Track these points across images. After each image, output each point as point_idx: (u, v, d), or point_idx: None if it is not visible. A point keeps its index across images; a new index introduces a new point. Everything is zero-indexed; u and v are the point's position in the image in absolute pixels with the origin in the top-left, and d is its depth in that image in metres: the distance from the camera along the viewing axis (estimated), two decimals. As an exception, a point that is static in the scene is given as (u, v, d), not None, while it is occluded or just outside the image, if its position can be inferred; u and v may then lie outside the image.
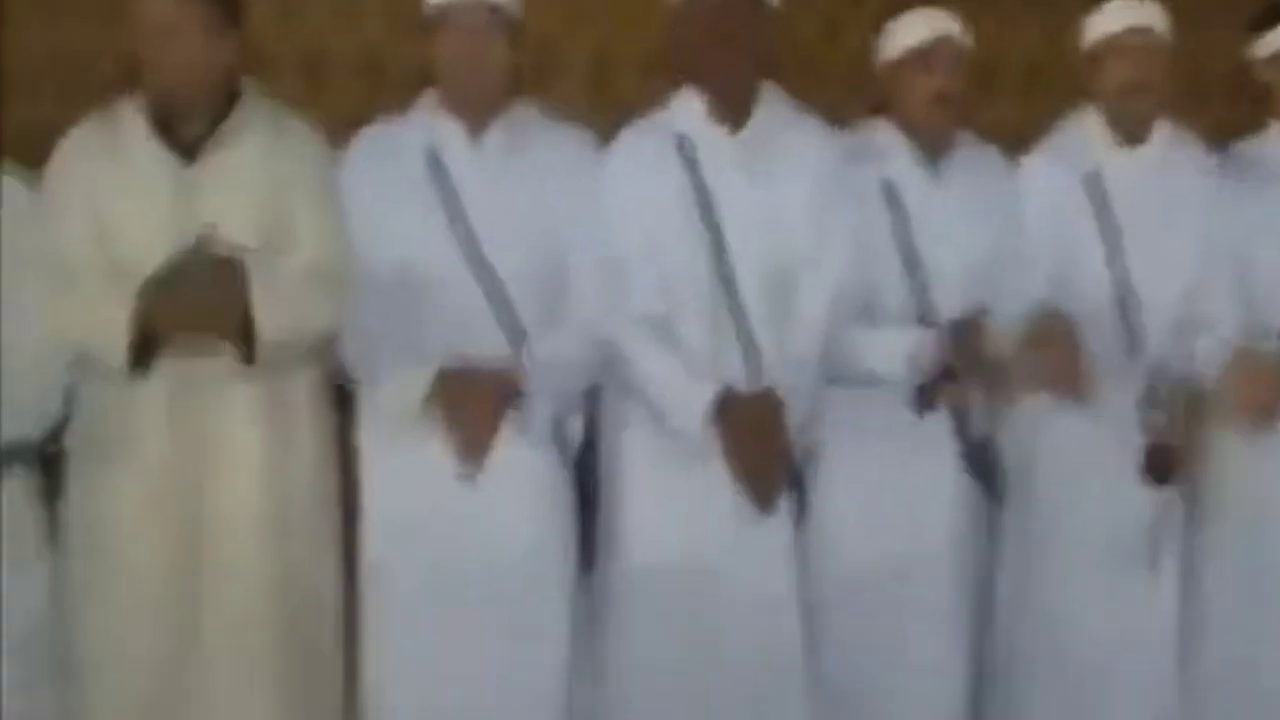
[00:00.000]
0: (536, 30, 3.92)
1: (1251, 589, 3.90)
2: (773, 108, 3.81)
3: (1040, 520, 3.94)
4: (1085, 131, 3.98)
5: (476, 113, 3.70)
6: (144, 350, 3.43)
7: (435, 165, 3.67)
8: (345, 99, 3.86)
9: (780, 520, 3.74)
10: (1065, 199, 3.92)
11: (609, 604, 3.79)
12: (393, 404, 3.63)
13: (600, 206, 3.73)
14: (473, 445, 3.60)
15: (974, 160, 3.97)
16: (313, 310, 3.54)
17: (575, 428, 3.80)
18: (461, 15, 3.63)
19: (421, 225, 3.64)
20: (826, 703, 3.80)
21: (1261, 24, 4.00)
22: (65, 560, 3.58)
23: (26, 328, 3.44)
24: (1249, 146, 4.04)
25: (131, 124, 3.55)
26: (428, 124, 3.73)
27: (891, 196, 3.87)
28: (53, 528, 3.58)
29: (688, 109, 3.79)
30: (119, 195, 3.51)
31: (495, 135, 3.71)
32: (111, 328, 3.40)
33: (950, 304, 3.84)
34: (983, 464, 3.92)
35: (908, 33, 3.88)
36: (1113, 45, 3.91)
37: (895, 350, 3.80)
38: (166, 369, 3.46)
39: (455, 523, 3.63)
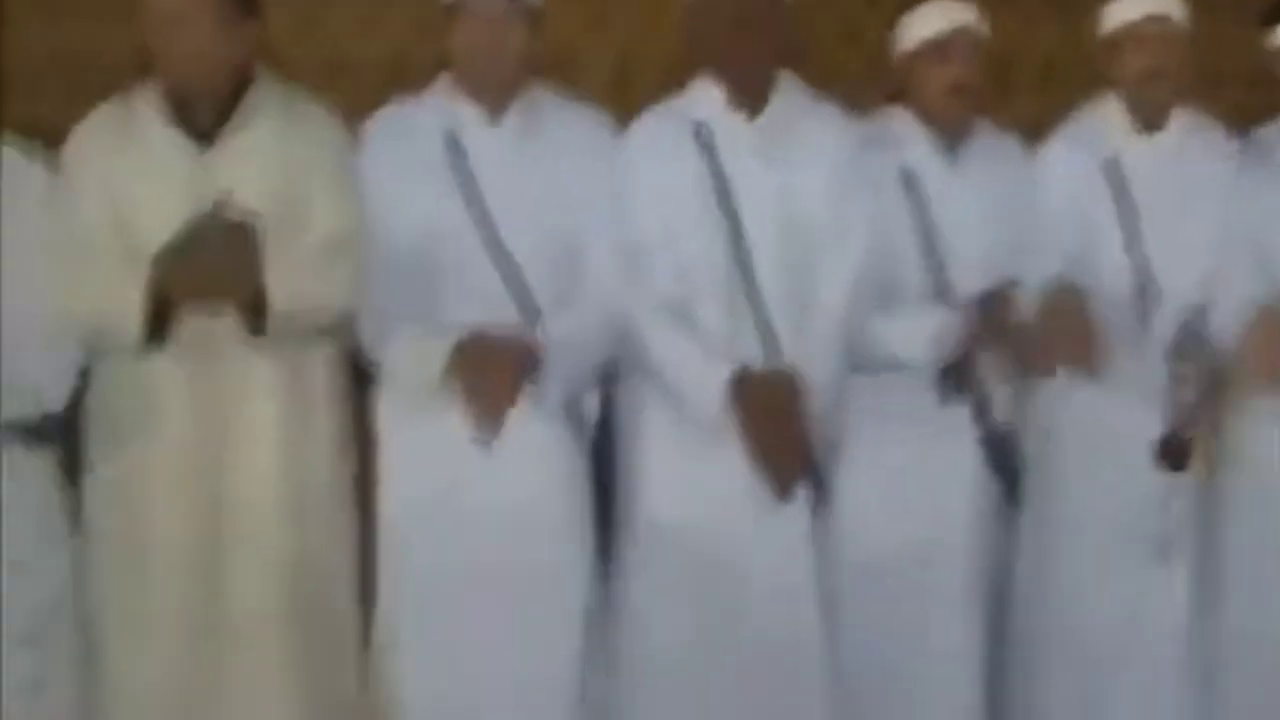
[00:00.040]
0: (557, 34, 3.94)
1: (1269, 562, 3.86)
2: (790, 95, 3.81)
3: (1056, 503, 3.93)
4: (1104, 118, 3.98)
5: (494, 97, 3.71)
6: (159, 322, 3.44)
7: (453, 147, 3.68)
8: (367, 107, 3.85)
9: (799, 507, 3.72)
10: (1084, 185, 3.92)
11: (625, 589, 3.78)
12: (411, 376, 3.62)
13: (617, 191, 3.73)
14: (490, 412, 3.58)
15: (992, 148, 3.97)
16: (326, 283, 3.54)
17: (591, 407, 3.79)
18: (480, 3, 3.64)
19: (439, 206, 3.65)
20: (845, 689, 3.77)
21: (1273, 18, 4.00)
22: (87, 536, 3.59)
23: (41, 306, 3.45)
24: (1268, 132, 4.03)
25: (147, 111, 3.56)
26: (445, 107, 3.73)
27: (910, 183, 3.87)
28: (75, 506, 3.60)
29: (706, 96, 3.79)
30: (135, 180, 3.52)
31: (513, 118, 3.72)
32: (126, 303, 3.41)
33: (968, 291, 3.82)
34: (1002, 458, 3.90)
35: (924, 24, 3.89)
36: (1131, 33, 3.92)
37: (918, 334, 3.79)
38: (184, 345, 3.47)
39: (472, 497, 3.63)
